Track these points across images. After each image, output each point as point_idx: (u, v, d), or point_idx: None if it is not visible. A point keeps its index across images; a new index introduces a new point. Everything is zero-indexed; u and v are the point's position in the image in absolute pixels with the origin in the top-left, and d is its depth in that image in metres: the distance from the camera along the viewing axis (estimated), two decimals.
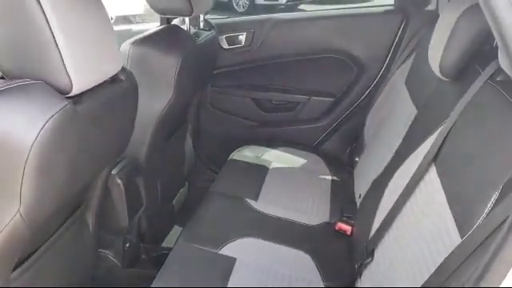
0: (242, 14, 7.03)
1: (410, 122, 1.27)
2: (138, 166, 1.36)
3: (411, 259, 0.87)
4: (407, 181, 1.02)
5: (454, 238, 0.75)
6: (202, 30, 1.77)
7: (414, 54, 1.58)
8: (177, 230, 1.73)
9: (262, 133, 2.08)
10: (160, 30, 1.51)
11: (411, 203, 0.98)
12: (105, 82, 0.87)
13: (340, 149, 2.03)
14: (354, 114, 1.98)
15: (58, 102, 0.72)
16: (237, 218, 1.42)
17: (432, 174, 0.94)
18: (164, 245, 1.70)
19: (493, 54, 0.90)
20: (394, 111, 1.51)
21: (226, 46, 1.98)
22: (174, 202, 1.75)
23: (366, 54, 1.91)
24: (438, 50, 1.09)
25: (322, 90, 2.02)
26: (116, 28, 0.95)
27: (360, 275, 1.13)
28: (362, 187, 1.45)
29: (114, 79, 0.92)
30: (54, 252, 0.95)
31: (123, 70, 0.95)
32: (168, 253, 1.24)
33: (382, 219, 1.08)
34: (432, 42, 1.17)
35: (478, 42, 1.04)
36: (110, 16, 0.90)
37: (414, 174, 1.00)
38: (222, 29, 1.92)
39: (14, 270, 0.83)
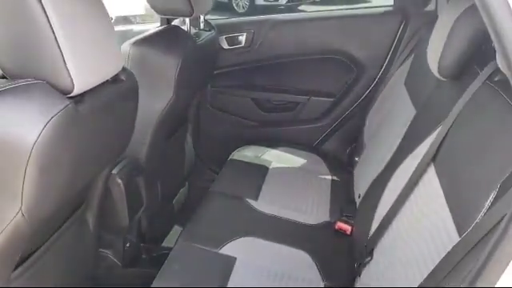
0: (242, 14, 7.03)
1: (409, 122, 1.28)
2: (139, 166, 1.36)
3: (410, 258, 0.87)
4: (406, 180, 1.03)
5: (452, 237, 0.75)
6: (203, 30, 1.78)
7: (413, 55, 1.59)
8: (177, 229, 1.73)
9: (262, 133, 2.09)
10: (160, 31, 1.51)
11: (410, 203, 0.99)
12: (106, 82, 0.88)
13: (340, 149, 2.03)
14: (353, 115, 1.99)
15: (59, 102, 0.73)
16: (237, 217, 1.42)
17: (431, 174, 0.95)
18: (164, 244, 1.70)
19: (491, 55, 0.91)
20: (394, 111, 1.51)
21: (226, 46, 1.98)
22: (174, 201, 1.75)
23: (365, 54, 1.92)
24: (437, 51, 1.09)
25: (322, 90, 2.03)
26: (116, 28, 0.95)
27: (359, 274, 1.13)
28: (361, 187, 1.45)
29: (114, 79, 0.93)
30: (55, 251, 0.96)
31: (124, 70, 0.96)
32: (168, 252, 1.24)
33: (382, 219, 1.08)
34: (431, 42, 1.18)
35: (476, 42, 1.04)
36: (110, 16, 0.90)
37: (413, 174, 1.00)
38: (222, 29, 1.93)
39: (15, 269, 0.84)
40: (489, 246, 0.55)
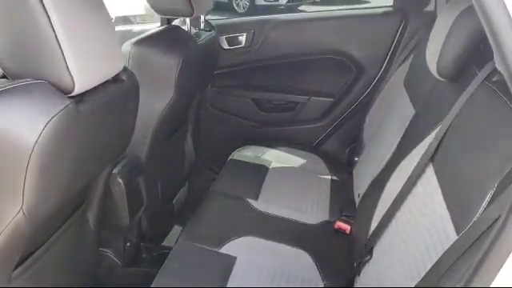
0: (242, 14, 7.04)
1: (408, 122, 1.28)
2: (139, 166, 1.37)
3: (409, 257, 0.88)
4: (405, 180, 1.03)
5: (450, 236, 0.75)
6: (203, 30, 1.78)
7: (412, 55, 1.59)
8: (177, 229, 1.73)
9: (262, 133, 2.09)
10: (161, 31, 1.51)
11: (409, 202, 0.99)
12: (106, 81, 0.88)
13: (339, 149, 2.04)
14: (353, 115, 1.99)
15: (60, 101, 0.73)
16: (237, 217, 1.42)
17: (429, 173, 0.95)
18: (164, 244, 1.70)
19: (489, 55, 0.91)
20: (393, 111, 1.52)
21: (226, 46, 1.99)
22: (174, 201, 1.76)
23: (365, 54, 1.92)
24: (436, 51, 1.09)
25: (322, 90, 2.03)
26: (116, 28, 0.95)
27: (359, 273, 1.13)
28: (361, 187, 1.46)
29: (115, 79, 0.93)
30: (55, 250, 0.96)
31: (124, 69, 0.96)
32: (168, 252, 1.25)
33: (381, 218, 1.09)
34: (429, 42, 1.18)
35: (474, 42, 1.04)
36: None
37: (412, 174, 1.01)
38: (222, 29, 1.93)
39: (16, 268, 0.84)
40: (485, 246, 0.56)
